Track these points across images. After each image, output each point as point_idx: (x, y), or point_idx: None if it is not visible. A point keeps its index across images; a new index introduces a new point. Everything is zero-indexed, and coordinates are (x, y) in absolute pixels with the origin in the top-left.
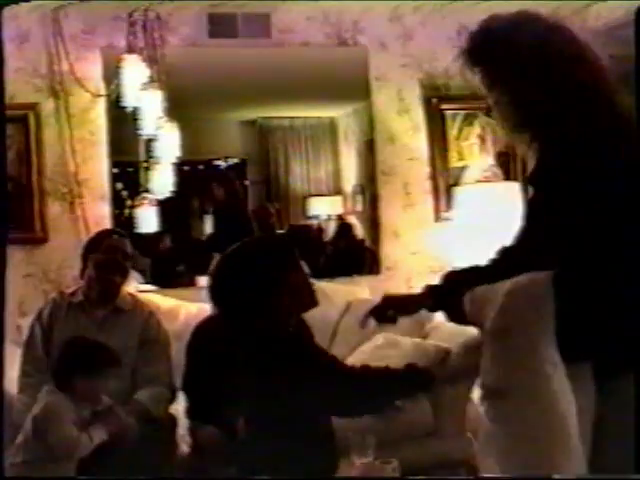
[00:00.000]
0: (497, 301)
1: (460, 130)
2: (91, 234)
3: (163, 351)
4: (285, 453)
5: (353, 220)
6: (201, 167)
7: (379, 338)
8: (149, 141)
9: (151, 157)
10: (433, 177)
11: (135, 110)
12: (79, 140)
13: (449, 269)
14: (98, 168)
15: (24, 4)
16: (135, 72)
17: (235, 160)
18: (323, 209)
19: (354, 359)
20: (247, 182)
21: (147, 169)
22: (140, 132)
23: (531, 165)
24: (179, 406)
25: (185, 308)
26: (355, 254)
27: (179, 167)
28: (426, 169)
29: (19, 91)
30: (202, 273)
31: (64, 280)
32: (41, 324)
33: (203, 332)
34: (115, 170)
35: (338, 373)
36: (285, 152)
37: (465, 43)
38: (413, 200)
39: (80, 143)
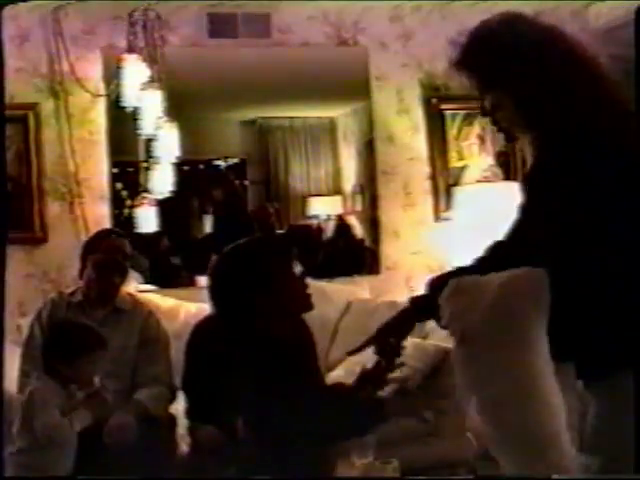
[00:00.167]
0: (485, 297)
1: (460, 130)
2: (90, 234)
3: (163, 351)
4: (282, 453)
5: (352, 220)
6: (201, 167)
7: None
8: (149, 141)
9: (151, 157)
10: (433, 177)
11: (135, 110)
12: (79, 140)
13: (432, 276)
14: (98, 168)
15: (24, 4)
16: (135, 72)
17: (235, 160)
18: (323, 209)
19: (354, 359)
20: (247, 182)
21: (147, 169)
22: (140, 132)
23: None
24: (179, 406)
25: (185, 308)
26: (355, 254)
27: (179, 167)
28: (426, 169)
29: (19, 91)
30: (202, 273)
31: (64, 280)
32: (41, 324)
33: (202, 331)
34: (115, 170)
35: (317, 391)
36: (285, 152)
37: (456, 52)
38: (413, 200)
39: (80, 143)
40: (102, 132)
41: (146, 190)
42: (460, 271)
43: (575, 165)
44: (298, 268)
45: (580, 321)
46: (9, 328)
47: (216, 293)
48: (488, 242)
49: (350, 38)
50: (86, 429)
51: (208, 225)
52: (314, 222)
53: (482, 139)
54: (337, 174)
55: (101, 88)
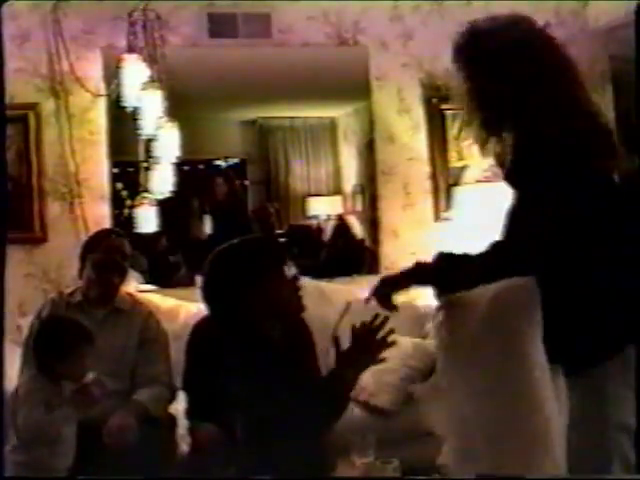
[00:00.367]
0: (477, 311)
1: (460, 130)
2: (90, 234)
3: (162, 351)
4: (280, 453)
5: (352, 219)
6: (201, 167)
7: None
8: (149, 141)
9: (151, 157)
10: (433, 177)
11: (135, 110)
12: (79, 140)
13: (443, 251)
14: (98, 168)
15: (24, 3)
16: (135, 72)
17: (235, 160)
18: (323, 209)
19: None
20: (247, 182)
21: (147, 169)
22: (140, 132)
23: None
24: (179, 406)
25: (185, 308)
26: (354, 254)
27: (179, 167)
28: (426, 169)
29: (19, 91)
30: (200, 273)
31: (64, 280)
32: None
33: (202, 330)
34: (115, 170)
35: (317, 391)
36: (285, 152)
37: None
38: (413, 200)
39: (80, 143)
40: (102, 132)
41: (146, 190)
42: (470, 257)
43: (548, 166)
44: (292, 270)
45: (563, 319)
46: (9, 328)
47: (207, 292)
48: (488, 242)
49: (350, 38)
50: (86, 429)
51: (208, 225)
52: (314, 222)
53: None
54: (337, 174)
55: (101, 88)
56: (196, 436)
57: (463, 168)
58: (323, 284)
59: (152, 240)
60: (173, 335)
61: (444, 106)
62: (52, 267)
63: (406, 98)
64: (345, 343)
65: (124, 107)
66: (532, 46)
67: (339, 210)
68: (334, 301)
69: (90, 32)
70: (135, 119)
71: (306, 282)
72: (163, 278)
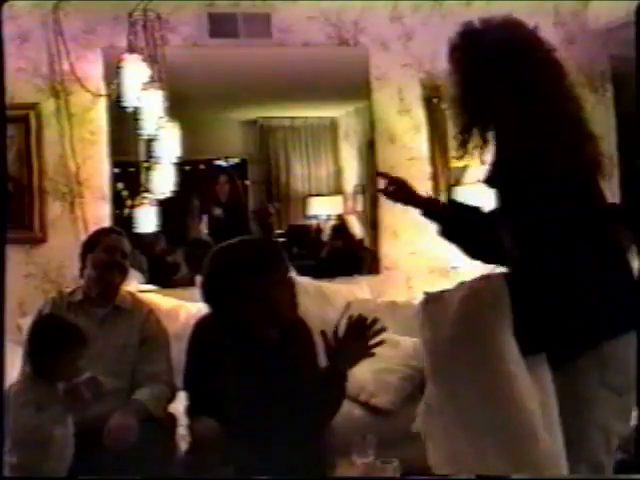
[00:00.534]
0: (453, 308)
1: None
2: (89, 233)
3: (163, 348)
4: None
5: (352, 219)
6: (202, 167)
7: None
8: (150, 141)
9: (152, 157)
10: (434, 177)
11: (136, 110)
12: (80, 140)
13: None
14: (99, 168)
15: (25, 3)
16: (136, 72)
17: (236, 160)
18: (323, 209)
19: None
20: (248, 182)
21: (148, 169)
22: (141, 132)
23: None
24: (179, 406)
25: (185, 308)
26: (355, 254)
27: (180, 167)
28: (427, 169)
29: (20, 91)
30: (197, 273)
31: (64, 280)
32: None
33: (203, 327)
34: (116, 170)
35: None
36: (286, 152)
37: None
38: None
39: (81, 143)
40: (103, 132)
41: (147, 190)
42: (475, 209)
43: (531, 165)
44: (288, 273)
45: (544, 310)
46: (9, 328)
47: (205, 289)
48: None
49: (350, 38)
50: (86, 429)
51: (208, 225)
52: (314, 222)
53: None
54: (338, 174)
55: (102, 88)
56: (195, 430)
57: (464, 168)
58: (323, 284)
59: (152, 240)
60: (174, 335)
61: (445, 106)
62: (52, 267)
63: (406, 98)
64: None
65: (125, 107)
66: (519, 51)
67: (340, 210)
68: (334, 301)
69: (90, 32)
70: (136, 119)
71: (306, 282)
72: (163, 278)
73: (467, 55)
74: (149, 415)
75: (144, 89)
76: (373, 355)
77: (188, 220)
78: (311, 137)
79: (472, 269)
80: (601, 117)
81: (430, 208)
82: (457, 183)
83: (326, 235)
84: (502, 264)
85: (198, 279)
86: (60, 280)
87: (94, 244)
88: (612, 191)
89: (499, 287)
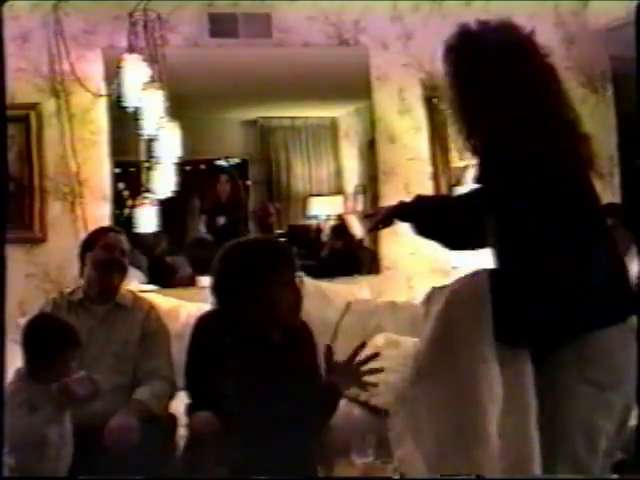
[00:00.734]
0: (439, 306)
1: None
2: (88, 232)
3: (163, 344)
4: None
5: (352, 219)
6: (202, 167)
7: (379, 338)
8: (150, 141)
9: (152, 157)
10: (434, 177)
11: (136, 110)
12: (80, 140)
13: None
14: (99, 168)
15: (25, 3)
16: (136, 72)
17: (236, 160)
18: (324, 209)
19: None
20: (248, 182)
21: (148, 169)
22: (141, 132)
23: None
24: (180, 406)
25: (185, 308)
26: (354, 254)
27: (180, 167)
28: (427, 169)
29: (20, 91)
30: (202, 273)
31: (64, 280)
32: None
33: (205, 323)
34: (117, 170)
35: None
36: (286, 152)
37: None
38: None
39: (81, 143)
40: (103, 132)
41: (148, 190)
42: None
43: (519, 166)
44: (295, 275)
45: (526, 302)
46: (9, 328)
47: (213, 288)
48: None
49: (351, 38)
50: (88, 428)
51: (208, 225)
52: (314, 222)
53: None
54: (338, 174)
55: (102, 88)
56: (194, 423)
57: (464, 168)
58: (323, 284)
59: (154, 240)
60: (174, 335)
61: (444, 106)
62: (52, 267)
63: (407, 98)
64: (345, 342)
65: (125, 107)
66: (513, 54)
67: (340, 210)
68: (334, 301)
69: (91, 32)
70: (136, 119)
71: (306, 282)
72: (163, 278)
73: (462, 57)
74: (151, 414)
75: (144, 89)
76: (364, 388)
77: (188, 220)
78: (311, 137)
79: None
80: (601, 117)
81: (399, 211)
82: (458, 183)
83: (326, 235)
84: (483, 247)
85: (199, 279)
86: (60, 280)
87: (93, 243)
88: (612, 191)
89: (480, 284)
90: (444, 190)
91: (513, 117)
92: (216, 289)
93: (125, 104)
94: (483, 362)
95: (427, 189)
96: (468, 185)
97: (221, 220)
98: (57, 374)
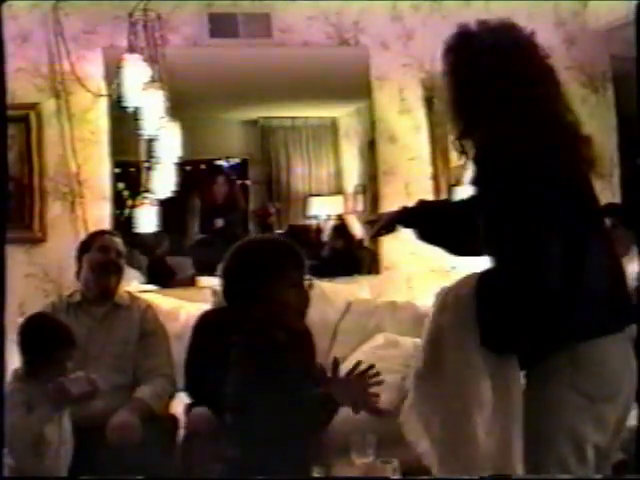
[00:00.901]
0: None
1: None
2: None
3: (162, 343)
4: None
5: (351, 219)
6: (203, 167)
7: (379, 338)
8: (150, 141)
9: (152, 157)
10: (434, 177)
11: (136, 110)
12: (80, 140)
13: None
14: (99, 168)
15: (25, 3)
16: (136, 72)
17: (236, 160)
18: (324, 209)
19: (354, 359)
20: (248, 182)
21: (148, 169)
22: (141, 132)
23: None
24: (180, 407)
25: (185, 309)
26: (354, 254)
27: (180, 167)
28: (427, 169)
29: (20, 91)
30: (204, 273)
31: (64, 280)
32: None
33: (207, 321)
34: (117, 170)
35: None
36: (286, 152)
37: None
38: (414, 200)
39: (81, 143)
40: (103, 132)
41: (148, 190)
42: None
43: (516, 167)
44: (306, 278)
45: (517, 308)
46: (9, 328)
47: (222, 284)
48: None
49: (351, 38)
50: (89, 427)
51: (206, 226)
52: (314, 222)
53: None
54: (339, 174)
55: (102, 88)
56: (190, 418)
57: (464, 168)
58: (323, 284)
59: (155, 240)
60: (174, 335)
61: (443, 106)
62: (52, 267)
63: (407, 98)
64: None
65: (125, 107)
66: (512, 54)
67: (340, 210)
68: (334, 301)
69: (91, 32)
70: (136, 119)
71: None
72: (163, 278)
73: (460, 57)
74: (152, 413)
75: (144, 89)
76: (357, 411)
77: (188, 220)
78: (312, 137)
79: (472, 269)
80: (601, 117)
81: (401, 217)
82: (457, 183)
83: (326, 235)
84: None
85: (203, 280)
86: (60, 280)
87: (89, 245)
88: (612, 191)
89: (466, 288)
90: (444, 190)
91: (510, 118)
92: (225, 287)
93: (125, 104)
94: (468, 367)
95: (427, 189)
96: (467, 185)
97: (219, 222)
98: (53, 374)
